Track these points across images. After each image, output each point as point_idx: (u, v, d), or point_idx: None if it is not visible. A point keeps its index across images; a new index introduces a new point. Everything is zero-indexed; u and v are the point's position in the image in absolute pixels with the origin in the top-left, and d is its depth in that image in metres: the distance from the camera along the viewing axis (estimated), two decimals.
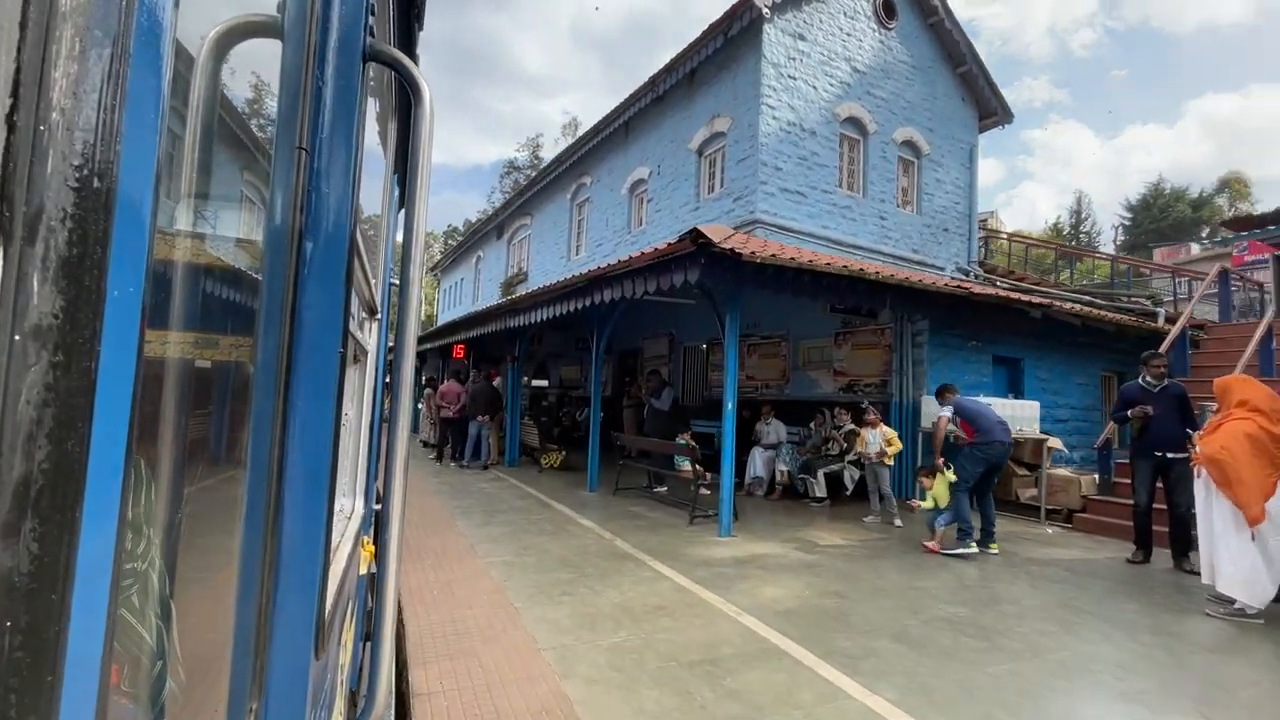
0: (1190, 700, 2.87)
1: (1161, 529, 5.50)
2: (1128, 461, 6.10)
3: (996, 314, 7.81)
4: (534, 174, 21.77)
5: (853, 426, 7.78)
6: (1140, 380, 5.57)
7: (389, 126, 1.72)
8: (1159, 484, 5.40)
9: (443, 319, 28.59)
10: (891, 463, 7.02)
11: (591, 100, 78.98)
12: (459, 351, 14.80)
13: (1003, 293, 8.11)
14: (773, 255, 5.50)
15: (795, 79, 11.14)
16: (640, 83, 13.64)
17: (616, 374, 14.86)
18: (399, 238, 2.12)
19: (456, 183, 79.94)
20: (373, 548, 1.84)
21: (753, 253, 5.29)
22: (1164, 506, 5.43)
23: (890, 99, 12.64)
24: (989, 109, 14.47)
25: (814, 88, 11.41)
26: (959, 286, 7.32)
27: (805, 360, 9.69)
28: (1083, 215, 46.67)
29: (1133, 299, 12.77)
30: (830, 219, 11.32)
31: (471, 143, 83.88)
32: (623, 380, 14.05)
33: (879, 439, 7.02)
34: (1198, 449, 4.11)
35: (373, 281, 1.62)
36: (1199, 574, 5.02)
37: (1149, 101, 74.88)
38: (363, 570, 1.76)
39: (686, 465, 7.40)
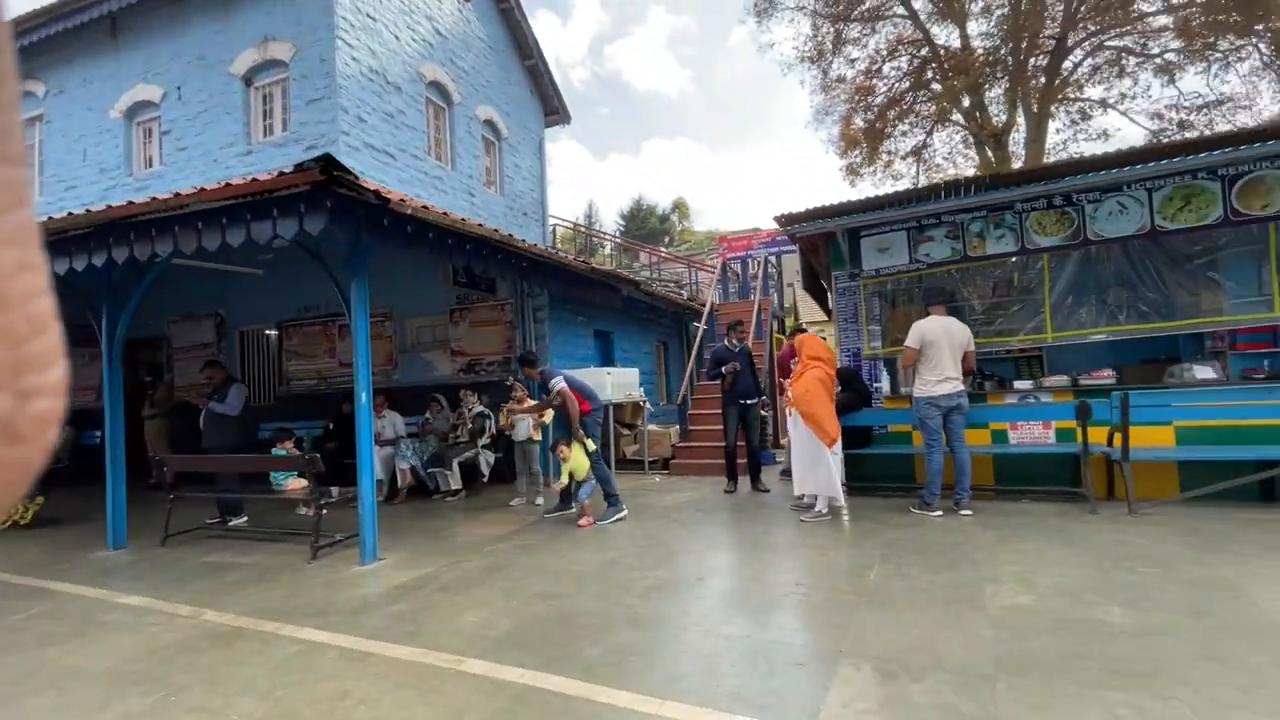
0: (860, 598, 3.51)
1: (740, 461, 6.90)
2: (709, 412, 7.46)
3: (601, 291, 8.48)
4: None
5: (483, 409, 7.30)
6: (726, 343, 6.81)
7: None
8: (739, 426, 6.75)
9: None
10: (540, 437, 6.86)
11: None
12: None
13: (616, 271, 8.86)
14: (424, 207, 4.50)
15: (375, 20, 9.73)
16: None
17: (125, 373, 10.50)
18: None
19: None
20: None
21: (402, 199, 4.19)
22: (744, 443, 6.81)
23: (471, 72, 12.37)
24: (552, 106, 15.73)
25: (396, 37, 10.20)
26: (583, 262, 7.61)
27: (415, 341, 8.66)
28: (593, 219, 56.81)
29: (664, 283, 16.00)
30: (422, 188, 10.38)
31: None
32: (141, 381, 10.02)
33: (529, 416, 6.75)
34: (790, 394, 5.21)
35: None
36: (769, 490, 6.50)
37: (623, 136, 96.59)
38: None
39: (290, 482, 5.60)
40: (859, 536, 4.68)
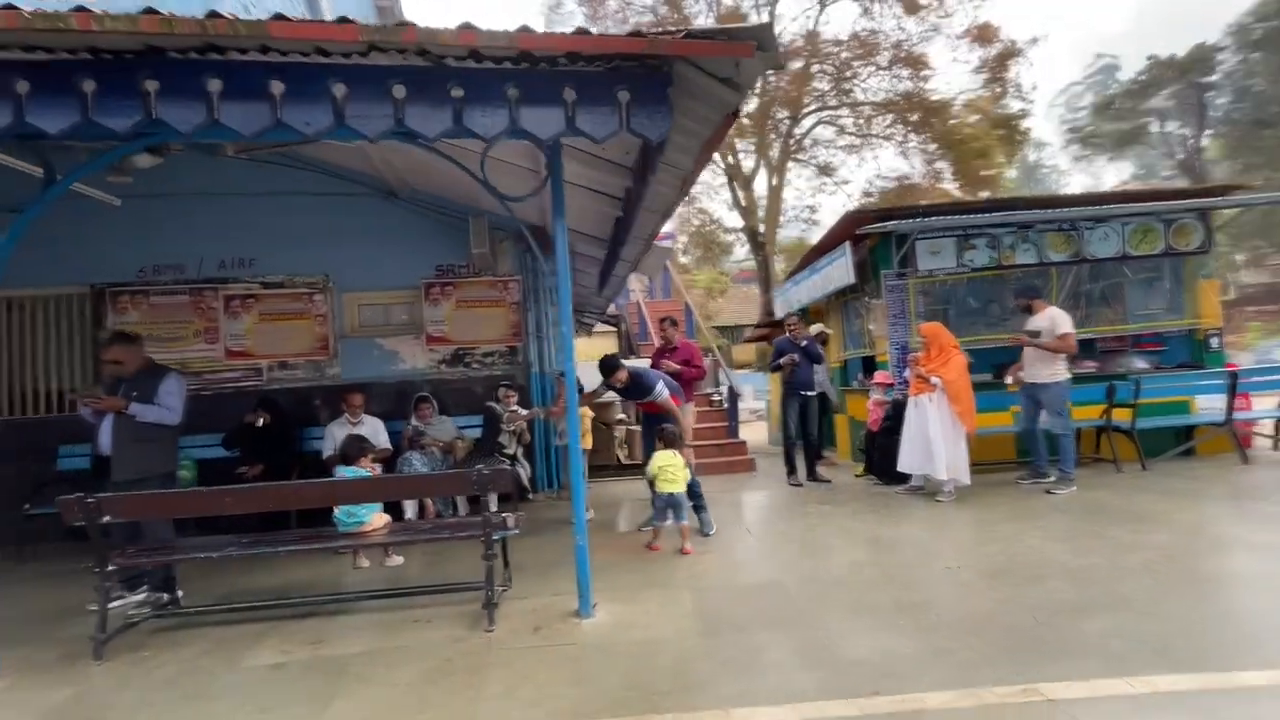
0: (1168, 557, 3.79)
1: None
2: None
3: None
4: None
5: (527, 411, 5.84)
6: (789, 336, 6.66)
7: None
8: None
9: None
10: (590, 445, 5.70)
11: None
12: None
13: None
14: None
15: None
16: None
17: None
18: None
19: None
20: None
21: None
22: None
23: None
24: None
25: None
26: None
27: (358, 321, 6.41)
28: None
29: None
30: None
31: None
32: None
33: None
34: (934, 380, 5.36)
35: None
36: (830, 481, 6.57)
37: None
38: None
39: (374, 518, 3.60)
40: (1021, 508, 5.03)
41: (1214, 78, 33.67)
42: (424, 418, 5.81)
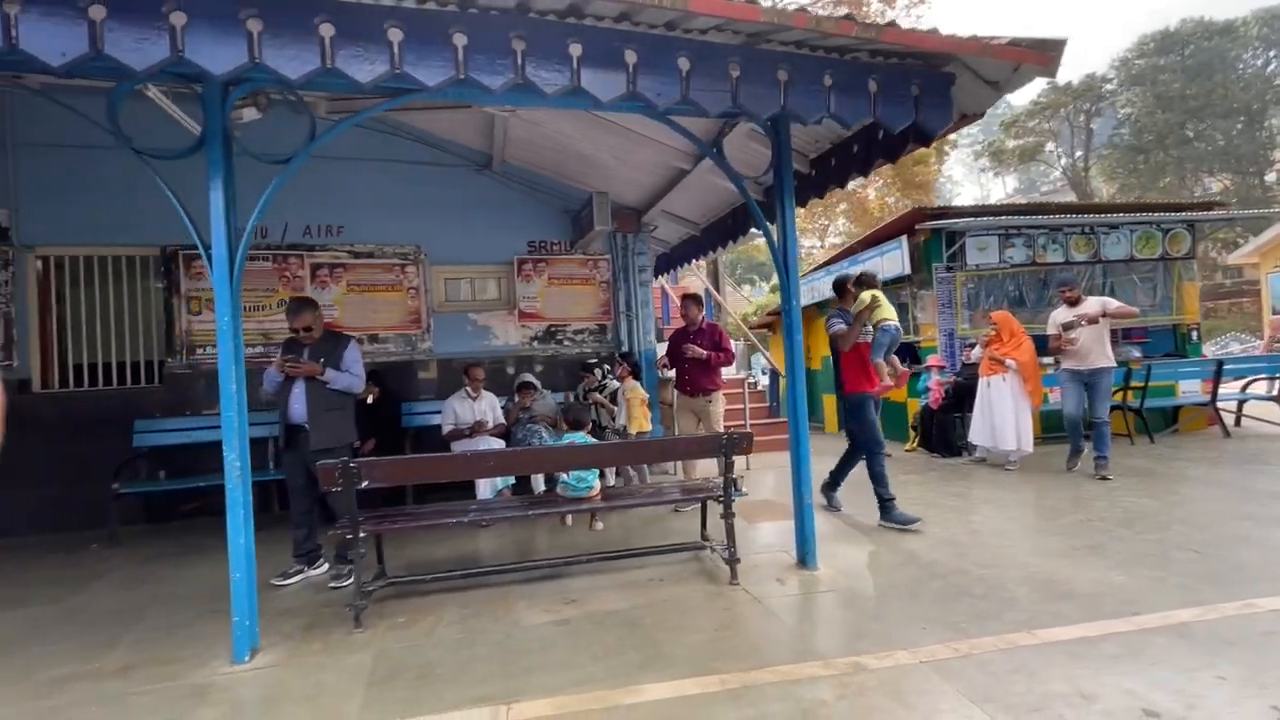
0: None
1: None
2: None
3: None
4: None
5: (619, 384, 5.94)
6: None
7: None
8: None
9: None
10: (649, 427, 5.79)
11: None
12: None
13: None
14: None
15: None
16: None
17: None
18: None
19: None
20: None
21: None
22: None
23: None
24: None
25: None
26: None
27: (444, 295, 6.24)
28: None
29: None
30: None
31: None
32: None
33: (623, 398, 5.76)
34: (1008, 362, 5.99)
35: None
36: (889, 454, 7.10)
37: None
38: None
39: (597, 484, 3.67)
40: (1082, 475, 5.76)
41: (1100, 105, 37.85)
42: (526, 394, 5.80)
